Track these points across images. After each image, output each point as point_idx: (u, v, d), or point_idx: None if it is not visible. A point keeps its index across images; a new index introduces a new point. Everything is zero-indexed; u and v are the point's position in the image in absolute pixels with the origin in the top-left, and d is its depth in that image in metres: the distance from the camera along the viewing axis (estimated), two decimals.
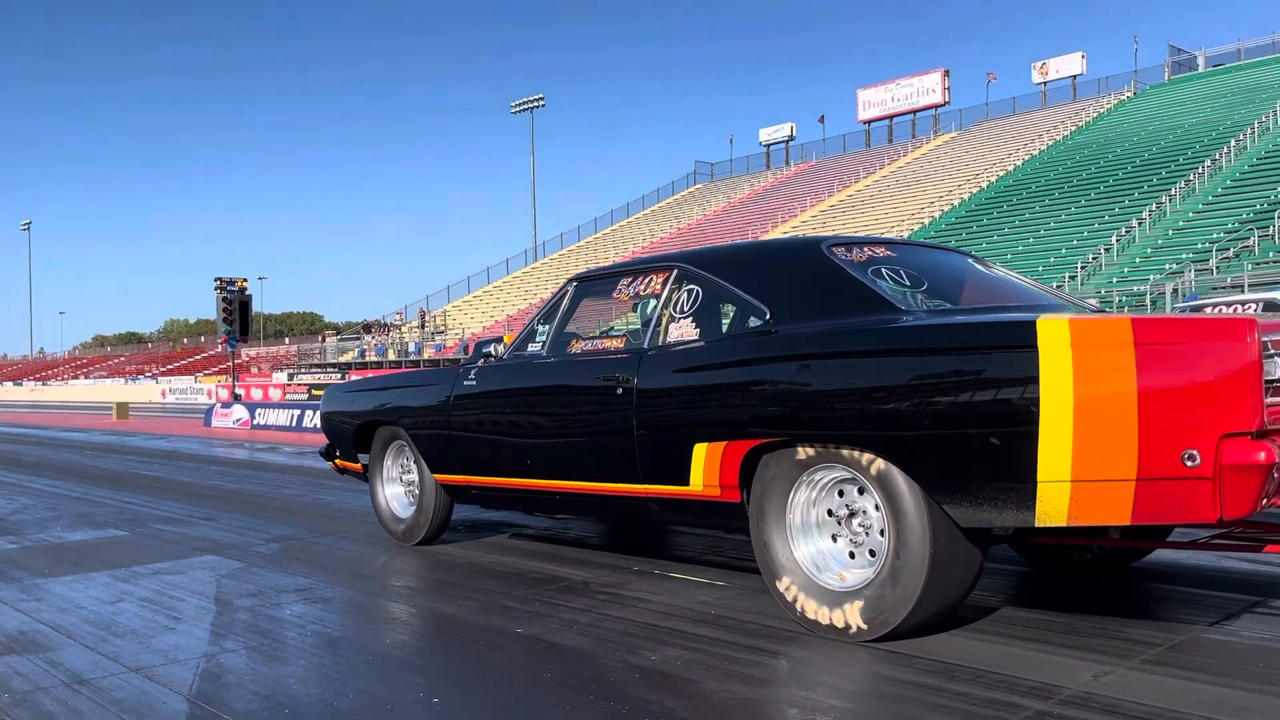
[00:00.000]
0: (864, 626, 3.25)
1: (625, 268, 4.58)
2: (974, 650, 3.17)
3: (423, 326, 50.86)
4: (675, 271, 4.21)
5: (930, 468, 3.08)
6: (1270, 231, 27.36)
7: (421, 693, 2.94)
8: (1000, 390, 2.91)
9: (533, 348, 4.73)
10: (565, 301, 4.74)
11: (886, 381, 3.19)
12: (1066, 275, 29.81)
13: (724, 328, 4.00)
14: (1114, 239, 31.52)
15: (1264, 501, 2.64)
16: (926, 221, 41.58)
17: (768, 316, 3.72)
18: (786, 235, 44.28)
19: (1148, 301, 25.46)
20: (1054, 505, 2.84)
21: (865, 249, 3.92)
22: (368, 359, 46.27)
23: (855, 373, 3.29)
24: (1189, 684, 2.80)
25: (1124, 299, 26.15)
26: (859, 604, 3.27)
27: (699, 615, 3.75)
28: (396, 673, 3.16)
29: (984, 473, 2.96)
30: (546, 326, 4.74)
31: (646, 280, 4.36)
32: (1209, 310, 10.05)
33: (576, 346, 4.52)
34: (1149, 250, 30.26)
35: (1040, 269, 31.10)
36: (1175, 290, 24.77)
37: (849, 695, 2.82)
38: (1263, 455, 2.57)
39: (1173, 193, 33.70)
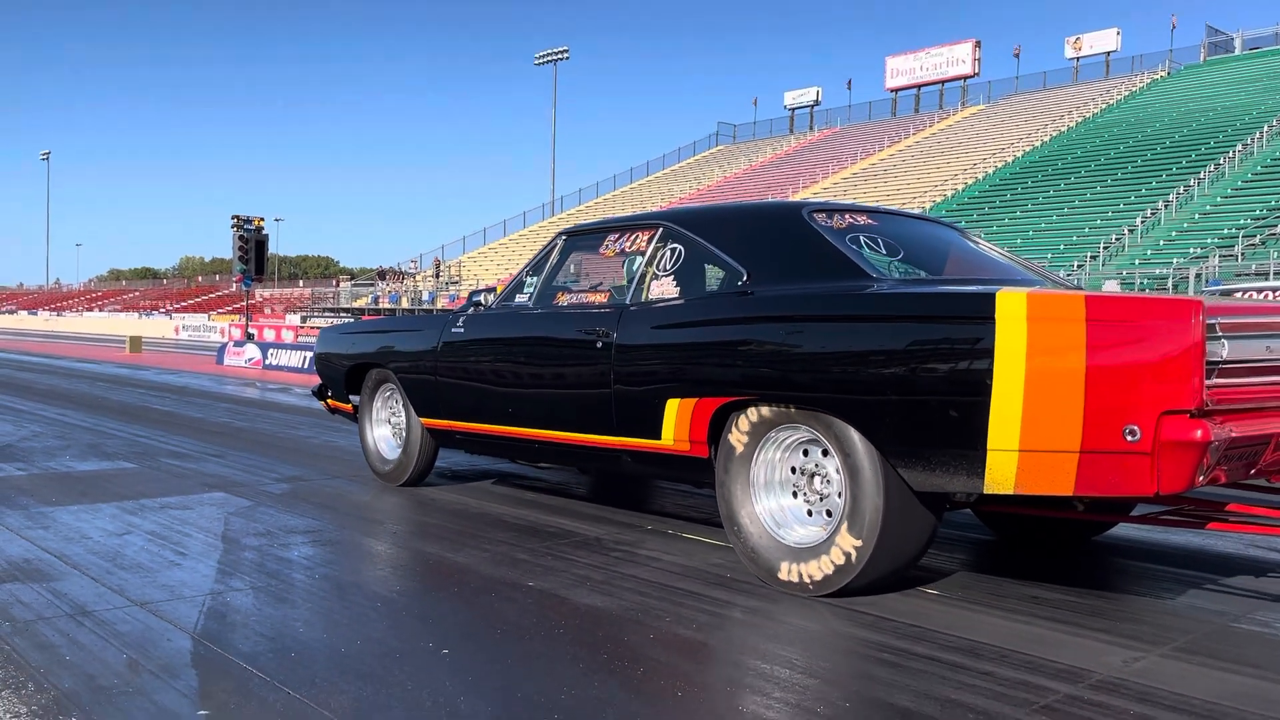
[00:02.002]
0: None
1: (614, 223, 4.66)
2: (998, 628, 3.08)
3: (437, 276, 50.75)
4: (661, 230, 4.27)
5: (886, 431, 3.16)
6: None
7: (431, 643, 2.87)
8: (956, 360, 2.99)
9: (520, 298, 4.83)
10: (554, 254, 4.82)
11: (849, 346, 3.29)
12: (1088, 255, 29.47)
13: (704, 287, 4.05)
14: (1139, 220, 31.11)
15: (1200, 478, 2.73)
16: (949, 194, 41.14)
17: (745, 278, 3.78)
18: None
19: (1170, 286, 25.17)
20: (1002, 473, 2.92)
21: (846, 216, 3.97)
22: (381, 305, 46.24)
23: (820, 336, 3.38)
24: (1223, 674, 2.71)
25: (1146, 282, 25.86)
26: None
27: (714, 577, 3.66)
28: (406, 621, 3.10)
29: (937, 439, 3.05)
30: (535, 278, 4.82)
31: (633, 237, 4.43)
32: (1237, 297, 9.86)
33: (562, 299, 4.62)
34: (1174, 234, 29.87)
35: (1062, 247, 30.78)
36: (1199, 275, 24.46)
37: (866, 667, 2.73)
38: (1199, 433, 2.65)
39: (1201, 176, 33.22)
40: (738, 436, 3.64)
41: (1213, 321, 2.75)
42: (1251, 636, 3.09)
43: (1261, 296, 9.61)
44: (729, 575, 3.70)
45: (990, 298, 2.96)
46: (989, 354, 2.90)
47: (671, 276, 4.09)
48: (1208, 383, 2.73)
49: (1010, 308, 2.90)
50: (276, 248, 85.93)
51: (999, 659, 2.80)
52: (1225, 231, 28.21)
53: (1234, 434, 2.76)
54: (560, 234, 4.92)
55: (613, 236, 4.58)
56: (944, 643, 2.94)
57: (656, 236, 4.26)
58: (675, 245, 4.15)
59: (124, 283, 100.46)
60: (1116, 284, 25.49)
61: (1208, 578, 3.82)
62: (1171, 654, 2.88)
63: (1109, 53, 52.93)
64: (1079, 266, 28.52)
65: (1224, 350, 2.77)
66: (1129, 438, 2.72)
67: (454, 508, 5.02)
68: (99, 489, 5.32)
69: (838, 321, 3.36)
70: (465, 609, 3.25)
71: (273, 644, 2.85)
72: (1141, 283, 25.78)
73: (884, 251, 3.84)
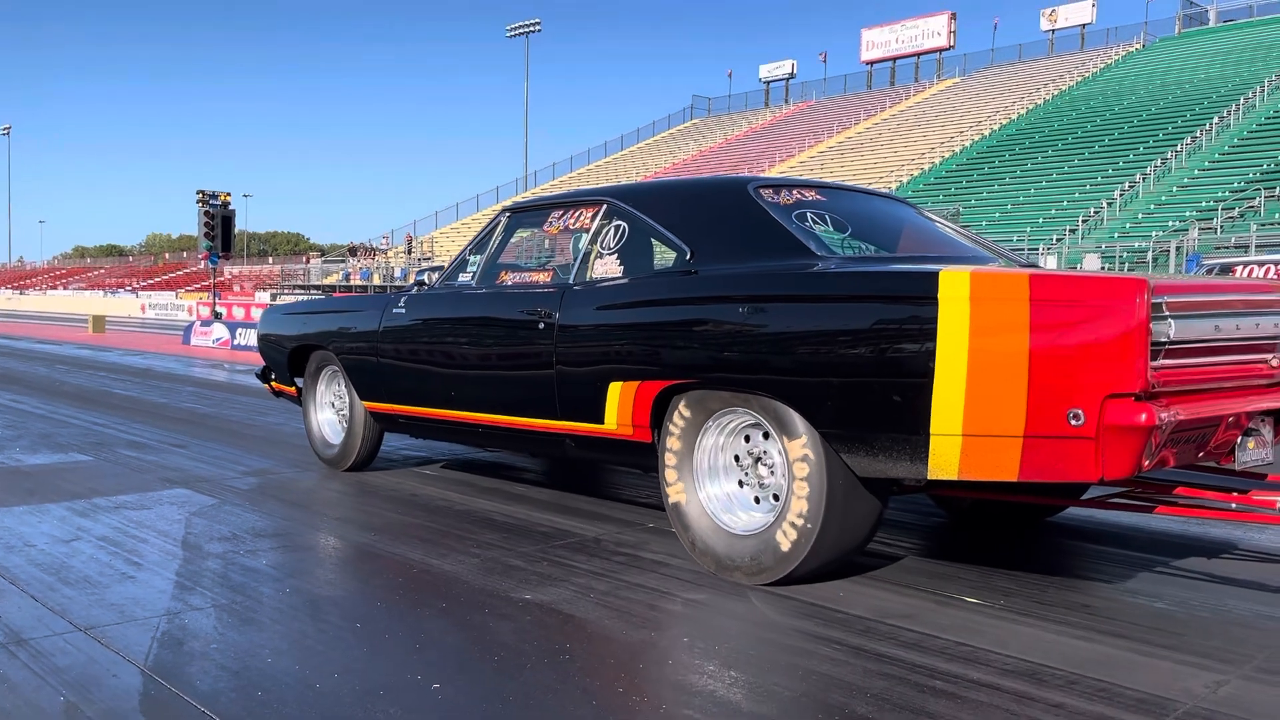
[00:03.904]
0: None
1: (558, 200, 4.50)
2: (1055, 647, 2.75)
3: (409, 252, 49.99)
4: (605, 206, 4.13)
5: (828, 415, 3.06)
6: (1277, 192, 26.89)
7: (420, 675, 2.50)
8: (898, 341, 2.89)
9: (463, 278, 4.68)
10: (498, 232, 4.65)
11: (790, 327, 3.18)
12: (1067, 228, 29.30)
13: (649, 266, 3.93)
14: (1117, 194, 30.97)
15: (1147, 462, 2.65)
16: (926, 168, 40.86)
17: (689, 256, 3.66)
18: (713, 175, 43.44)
19: (1150, 259, 25.05)
20: (946, 459, 2.83)
21: (794, 192, 3.88)
22: (352, 282, 45.49)
23: (760, 317, 3.26)
24: None
25: (1126, 255, 25.72)
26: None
27: (730, 586, 3.31)
28: (389, 646, 2.72)
29: (879, 423, 2.95)
30: (478, 256, 4.66)
31: (577, 214, 4.29)
32: (1239, 271, 9.60)
33: (505, 278, 4.48)
34: (1152, 206, 29.75)
35: (1041, 221, 30.59)
36: (1178, 248, 24.33)
37: (923, 700, 2.39)
38: (1143, 417, 2.57)
39: (1179, 149, 33.09)
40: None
41: (1159, 301, 2.66)
42: None
43: (1263, 271, 9.36)
44: (747, 585, 3.34)
45: (933, 277, 2.84)
46: (932, 335, 2.80)
47: (615, 255, 3.95)
48: (1154, 364, 2.65)
49: (953, 287, 2.79)
50: (245, 224, 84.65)
51: (1067, 686, 2.47)
52: (1204, 204, 28.10)
53: (1181, 417, 2.67)
54: (504, 210, 4.74)
55: (557, 213, 4.41)
56: (1001, 666, 2.60)
57: (600, 213, 4.11)
58: (619, 222, 4.00)
59: (89, 260, 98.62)
60: (1097, 258, 25.33)
61: (1255, 577, 3.50)
62: (1255, 675, 2.56)
63: (1084, 25, 52.75)
64: (1058, 240, 28.35)
65: (1171, 330, 2.69)
66: (1073, 422, 2.63)
67: (437, 504, 4.64)
68: (49, 486, 4.90)
69: (778, 302, 3.25)
70: (456, 630, 2.88)
71: (237, 679, 2.47)
72: (1122, 256, 25.63)
73: (832, 228, 3.75)
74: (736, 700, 2.37)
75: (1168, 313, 2.69)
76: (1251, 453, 3.10)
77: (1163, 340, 2.67)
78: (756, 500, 3.43)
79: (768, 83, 64.71)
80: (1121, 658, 2.68)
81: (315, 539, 3.98)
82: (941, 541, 4.05)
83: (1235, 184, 29.01)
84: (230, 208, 22.57)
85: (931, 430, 2.82)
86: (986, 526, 4.25)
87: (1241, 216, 26.31)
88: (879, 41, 58.81)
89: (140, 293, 56.74)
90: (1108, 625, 2.95)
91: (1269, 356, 3.11)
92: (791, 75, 63.81)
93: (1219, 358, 2.94)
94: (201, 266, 58.55)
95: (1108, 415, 2.59)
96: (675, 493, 3.54)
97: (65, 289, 69.73)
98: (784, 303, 3.23)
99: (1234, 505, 3.15)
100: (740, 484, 3.49)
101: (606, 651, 2.71)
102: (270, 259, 76.79)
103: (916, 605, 3.12)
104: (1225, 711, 2.32)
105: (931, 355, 2.80)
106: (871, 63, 59.51)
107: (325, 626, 2.89)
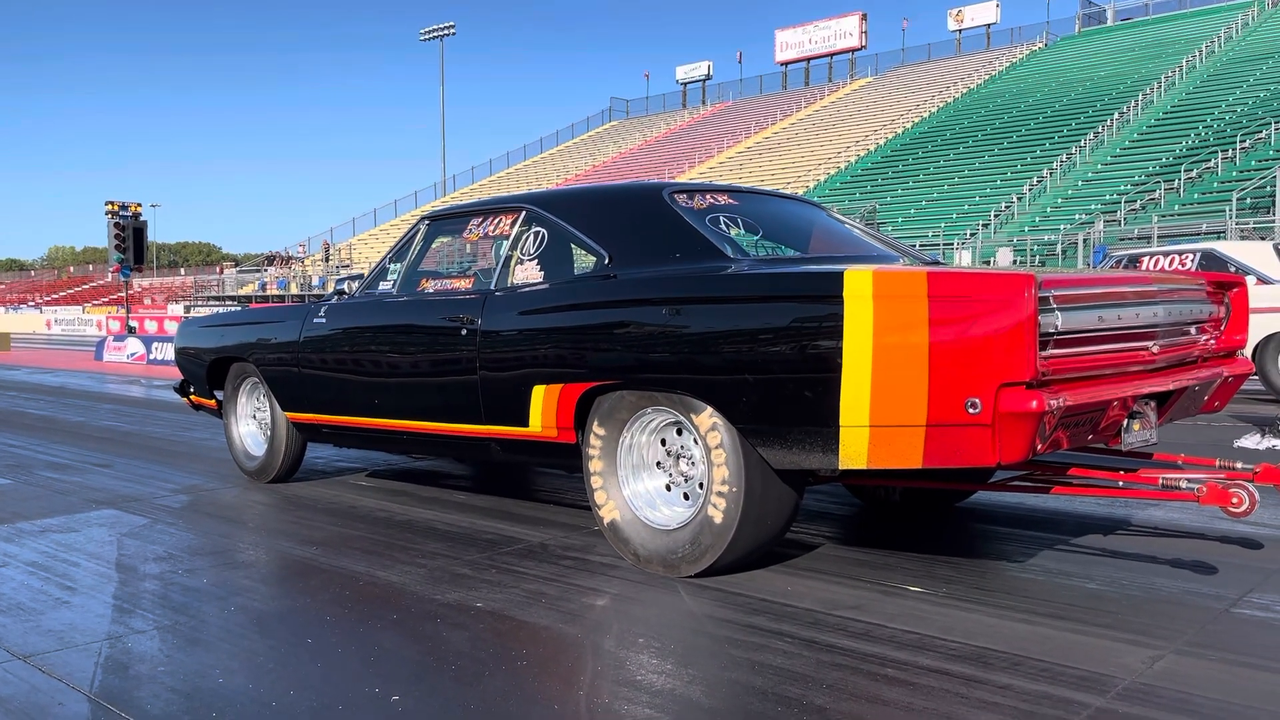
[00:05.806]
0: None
1: (476, 207, 4.54)
2: (999, 630, 2.84)
3: (327, 260, 49.17)
4: (524, 213, 4.20)
5: (743, 411, 3.18)
6: (1176, 185, 27.95)
7: (377, 688, 2.48)
8: (807, 338, 3.01)
9: (384, 286, 4.70)
10: (417, 240, 4.68)
11: (705, 327, 3.27)
12: (980, 223, 30.08)
13: (569, 270, 4.01)
14: (1026, 188, 31.88)
15: (1040, 446, 2.81)
16: (842, 166, 41.54)
17: (607, 261, 3.75)
18: (632, 180, 43.87)
19: (1059, 251, 25.84)
20: (855, 449, 2.95)
21: (707, 196, 3.98)
22: (269, 292, 44.58)
23: (676, 318, 3.35)
24: (1251, 672, 2.52)
25: (1037, 247, 26.49)
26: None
27: (680, 586, 3.34)
28: (342, 660, 2.69)
29: (792, 417, 3.07)
30: (398, 265, 4.68)
31: (496, 221, 4.35)
32: (1145, 262, 9.96)
33: (426, 286, 4.50)
34: (1059, 200, 30.69)
35: (954, 216, 31.35)
36: (1085, 240, 25.14)
37: (876, 688, 2.45)
38: (1034, 404, 2.70)
39: (1083, 144, 34.19)
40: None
41: (1047, 294, 2.81)
42: (1258, 624, 2.91)
43: (1168, 260, 9.72)
44: (696, 583, 3.38)
45: (838, 276, 2.96)
46: (838, 332, 2.92)
47: (535, 260, 4.02)
48: (1043, 354, 2.80)
49: (857, 285, 2.91)
50: (154, 235, 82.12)
51: (1012, 667, 2.55)
52: (1108, 197, 29.09)
53: (1068, 403, 2.81)
54: (423, 218, 4.76)
55: (476, 220, 4.47)
56: (948, 651, 2.68)
57: (520, 220, 4.18)
58: (539, 229, 4.07)
59: None
60: (1010, 251, 26.05)
61: (1178, 555, 3.66)
62: (1188, 650, 2.68)
63: (989, 25, 54.19)
64: (972, 235, 29.08)
65: (1058, 321, 2.84)
66: (971, 410, 2.76)
67: (376, 515, 4.59)
68: None
69: (693, 303, 3.34)
70: (410, 641, 2.86)
71: (189, 701, 2.42)
72: (1033, 249, 26.39)
73: (744, 231, 3.85)
74: (695, 697, 2.41)
75: (1055, 305, 2.84)
76: (1137, 434, 3.30)
77: (1051, 331, 2.83)
78: (678, 495, 3.54)
79: (685, 84, 65.16)
80: (1061, 638, 2.78)
81: (256, 555, 3.91)
82: (878, 533, 4.14)
83: (1137, 177, 30.09)
84: (141, 219, 21.94)
85: (841, 422, 2.95)
86: (914, 514, 4.40)
87: (1143, 209, 27.30)
88: (793, 42, 59.62)
89: (45, 308, 54.85)
90: (1046, 607, 3.05)
91: (1150, 344, 3.28)
92: (708, 76, 64.34)
93: (1104, 346, 3.10)
94: (110, 279, 56.86)
95: (1002, 403, 2.72)
96: (598, 491, 3.62)
97: None
98: (699, 304, 3.32)
99: (1121, 483, 3.35)
100: (663, 480, 3.58)
101: (562, 656, 2.72)
102: (182, 270, 74.88)
103: (862, 596, 3.19)
104: (1162, 685, 2.43)
105: (839, 351, 2.92)
106: (786, 63, 60.33)
107: (275, 643, 2.85)
